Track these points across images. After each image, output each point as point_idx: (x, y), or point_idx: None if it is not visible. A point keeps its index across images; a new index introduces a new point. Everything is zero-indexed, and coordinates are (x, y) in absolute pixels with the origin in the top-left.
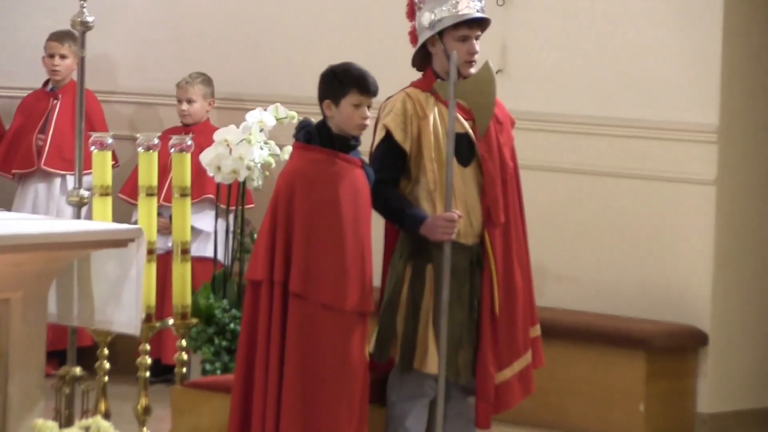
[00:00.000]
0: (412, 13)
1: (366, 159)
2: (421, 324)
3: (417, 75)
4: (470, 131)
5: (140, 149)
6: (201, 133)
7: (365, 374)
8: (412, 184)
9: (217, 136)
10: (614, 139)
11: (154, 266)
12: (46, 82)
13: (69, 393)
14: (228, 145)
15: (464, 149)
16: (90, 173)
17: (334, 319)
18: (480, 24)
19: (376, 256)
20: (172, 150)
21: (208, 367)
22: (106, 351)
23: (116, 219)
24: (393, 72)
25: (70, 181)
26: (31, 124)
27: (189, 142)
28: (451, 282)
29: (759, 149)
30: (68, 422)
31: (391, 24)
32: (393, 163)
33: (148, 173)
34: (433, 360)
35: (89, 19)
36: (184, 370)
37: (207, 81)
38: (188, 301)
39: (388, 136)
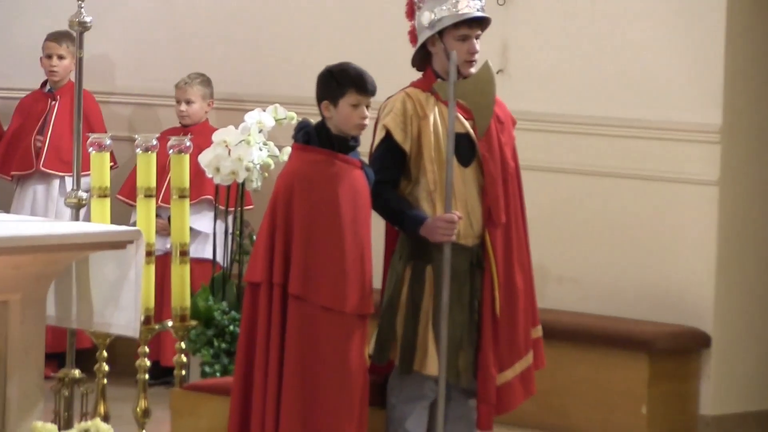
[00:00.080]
0: (411, 13)
1: (365, 159)
2: (421, 325)
3: (417, 75)
4: (471, 131)
5: (138, 150)
6: (200, 133)
7: (365, 376)
8: (412, 185)
9: (216, 137)
10: (615, 140)
11: (153, 268)
12: (44, 83)
13: (68, 395)
14: (227, 146)
15: (465, 149)
16: (88, 174)
17: (334, 321)
18: (480, 23)
19: (377, 258)
20: (171, 151)
21: (207, 369)
22: (105, 353)
23: (115, 220)
24: (393, 72)
25: (69, 182)
26: (30, 126)
27: (188, 143)
28: (451, 283)
29: (762, 149)
30: (67, 425)
31: (391, 24)
32: (393, 164)
33: (146, 174)
34: (433, 362)
35: (87, 19)
36: (184, 372)
37: (206, 82)
38: (187, 303)
39: (388, 136)
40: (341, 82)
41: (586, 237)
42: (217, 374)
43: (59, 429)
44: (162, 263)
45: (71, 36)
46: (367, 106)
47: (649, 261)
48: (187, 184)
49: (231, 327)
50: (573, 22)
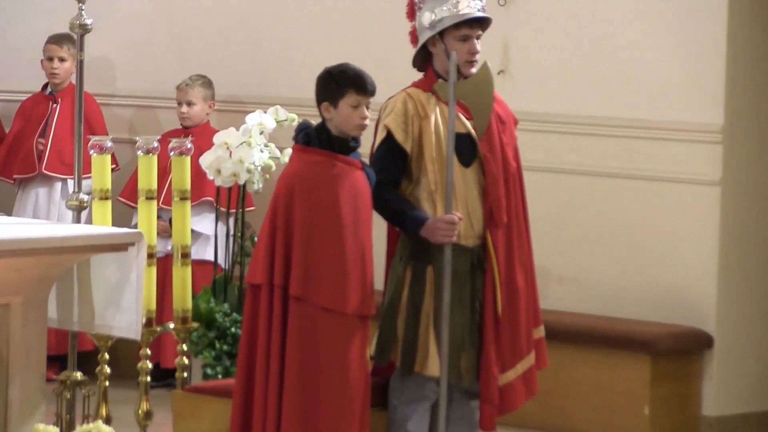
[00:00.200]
0: (412, 13)
1: (366, 160)
2: (421, 327)
3: (418, 75)
4: (472, 131)
5: (140, 152)
6: (201, 135)
7: (366, 378)
8: (413, 185)
9: (217, 138)
10: (617, 140)
11: (154, 270)
12: (45, 86)
13: (70, 398)
14: (228, 147)
15: (466, 149)
16: (90, 177)
17: (335, 322)
18: (481, 24)
19: (378, 259)
20: (172, 153)
21: (209, 371)
22: (106, 355)
23: (116, 222)
24: (393, 73)
25: (71, 185)
26: (31, 129)
27: (189, 145)
28: (452, 284)
29: (764, 149)
30: (69, 427)
31: (392, 25)
32: (394, 164)
33: (147, 177)
34: (434, 362)
35: (88, 21)
36: (185, 374)
37: (207, 83)
38: (189, 305)
39: (389, 136)
40: (341, 83)
41: (588, 237)
42: (219, 376)
43: (61, 431)
44: (163, 265)
45: (72, 38)
46: (367, 107)
47: (650, 261)
48: (188, 186)
49: (233, 329)
50: (574, 22)
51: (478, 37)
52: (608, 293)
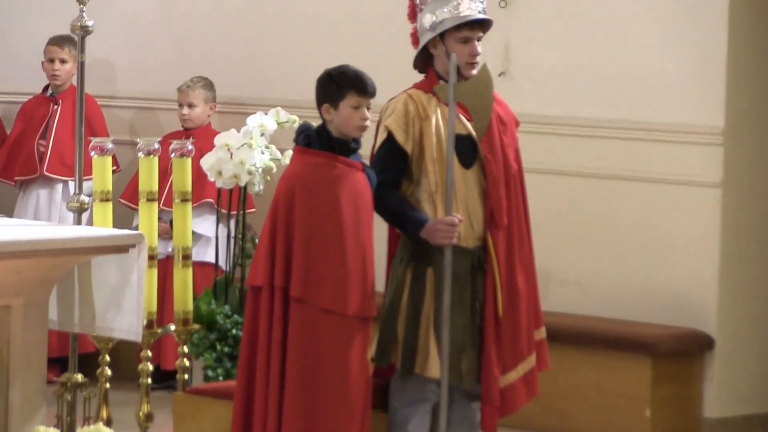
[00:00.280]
0: (413, 15)
1: (367, 162)
2: (421, 328)
3: (418, 77)
4: (473, 132)
5: (141, 154)
6: (202, 137)
7: (367, 379)
8: (414, 186)
9: (218, 140)
10: (618, 142)
11: (155, 272)
12: (46, 87)
13: (71, 400)
14: (229, 149)
15: (467, 151)
16: (91, 179)
17: (336, 323)
18: (482, 25)
19: (380, 261)
20: (173, 154)
21: (210, 373)
22: (107, 357)
23: (117, 224)
24: (395, 74)
25: (72, 186)
26: (32, 130)
27: (189, 147)
28: (452, 286)
29: (765, 151)
30: (70, 429)
31: (392, 26)
32: (394, 165)
33: (148, 178)
34: (434, 364)
35: (89, 23)
36: (186, 376)
37: (208, 85)
38: (190, 307)
39: (390, 137)
40: (341, 84)
41: (588, 239)
42: (220, 378)
43: None
44: (164, 267)
45: (73, 40)
46: (368, 108)
47: (651, 263)
48: (189, 188)
49: (233, 331)
50: (575, 24)
51: (479, 39)
52: (609, 295)
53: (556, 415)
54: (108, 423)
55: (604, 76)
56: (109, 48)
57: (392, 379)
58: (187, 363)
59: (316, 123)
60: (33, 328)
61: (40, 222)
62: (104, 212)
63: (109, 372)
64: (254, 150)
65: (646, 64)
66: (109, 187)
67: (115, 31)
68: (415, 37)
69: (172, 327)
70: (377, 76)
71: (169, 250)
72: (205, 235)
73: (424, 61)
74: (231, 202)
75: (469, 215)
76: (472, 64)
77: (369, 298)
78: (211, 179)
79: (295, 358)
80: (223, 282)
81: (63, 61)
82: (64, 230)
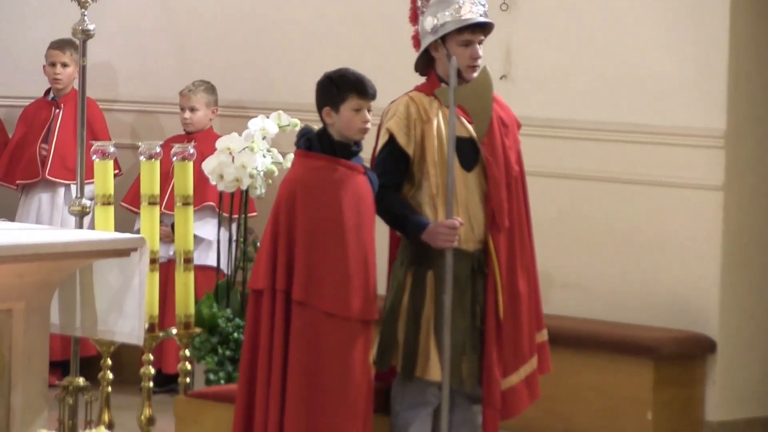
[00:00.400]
0: (415, 18)
1: (368, 164)
2: (422, 331)
3: (420, 80)
4: (474, 135)
5: (142, 158)
6: (204, 140)
7: (369, 382)
8: (415, 189)
9: (220, 144)
10: (619, 145)
11: (156, 275)
12: (48, 91)
13: (72, 403)
14: (230, 153)
15: (468, 153)
16: (92, 182)
17: (337, 326)
18: (483, 28)
19: (381, 264)
20: (174, 158)
21: (211, 376)
22: (109, 361)
23: (119, 227)
24: (396, 77)
25: (74, 190)
26: (34, 134)
27: (191, 151)
28: (452, 289)
29: (767, 154)
30: None
31: (394, 29)
32: (396, 167)
33: (150, 182)
34: (435, 367)
35: (90, 27)
36: (188, 379)
37: (210, 89)
38: (191, 310)
39: (392, 139)
40: (341, 87)
41: (590, 242)
42: (222, 381)
43: None
44: (166, 270)
45: (74, 44)
46: (369, 110)
47: (653, 266)
48: (190, 191)
49: (235, 334)
50: (576, 27)
51: (480, 42)
52: (611, 298)
53: (557, 418)
54: (110, 426)
55: (606, 79)
56: (111, 52)
57: (393, 383)
58: (188, 366)
59: (317, 126)
60: (35, 331)
61: (42, 226)
62: (106, 216)
63: (110, 375)
64: (256, 153)
65: (648, 67)
66: (111, 191)
67: (117, 35)
68: (416, 40)
69: (174, 330)
70: (378, 79)
71: (171, 253)
72: (207, 239)
73: (425, 63)
74: (232, 205)
75: (470, 218)
76: (473, 68)
77: (371, 301)
78: (213, 183)
79: (297, 361)
80: (225, 285)
81: (64, 65)
82: (66, 234)
